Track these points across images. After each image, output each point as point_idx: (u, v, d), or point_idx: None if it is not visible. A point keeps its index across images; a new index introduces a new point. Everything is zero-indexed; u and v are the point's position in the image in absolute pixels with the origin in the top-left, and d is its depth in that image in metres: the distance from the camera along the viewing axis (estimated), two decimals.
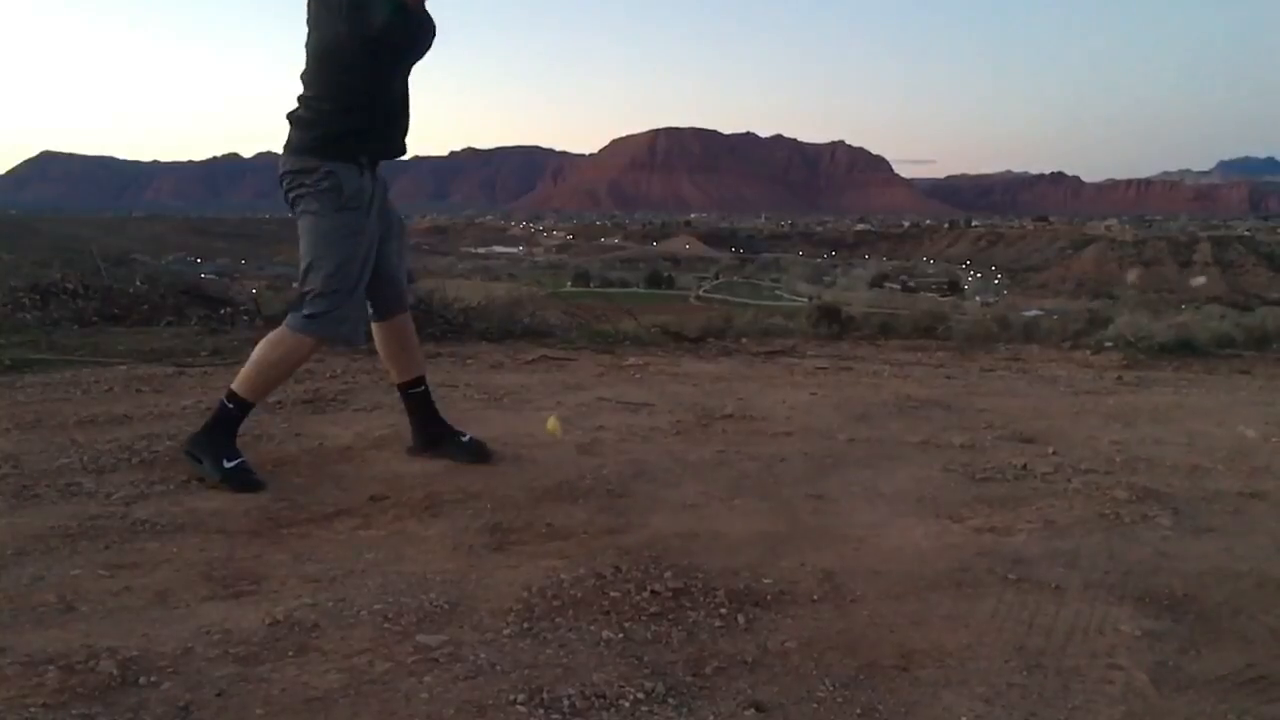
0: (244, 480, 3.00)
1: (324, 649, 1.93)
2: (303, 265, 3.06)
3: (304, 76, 3.09)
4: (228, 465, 3.01)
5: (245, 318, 6.59)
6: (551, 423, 3.67)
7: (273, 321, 6.37)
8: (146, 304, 6.66)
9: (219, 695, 1.75)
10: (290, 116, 3.10)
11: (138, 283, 7.23)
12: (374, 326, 3.34)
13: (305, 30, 3.08)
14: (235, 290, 8.69)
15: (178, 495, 2.89)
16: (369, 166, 3.12)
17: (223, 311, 6.71)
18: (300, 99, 3.09)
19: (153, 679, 1.79)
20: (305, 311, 3.04)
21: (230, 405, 3.08)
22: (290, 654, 1.91)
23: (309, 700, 1.74)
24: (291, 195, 3.07)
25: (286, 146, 3.10)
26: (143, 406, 3.98)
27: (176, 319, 6.41)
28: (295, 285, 3.14)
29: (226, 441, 3.07)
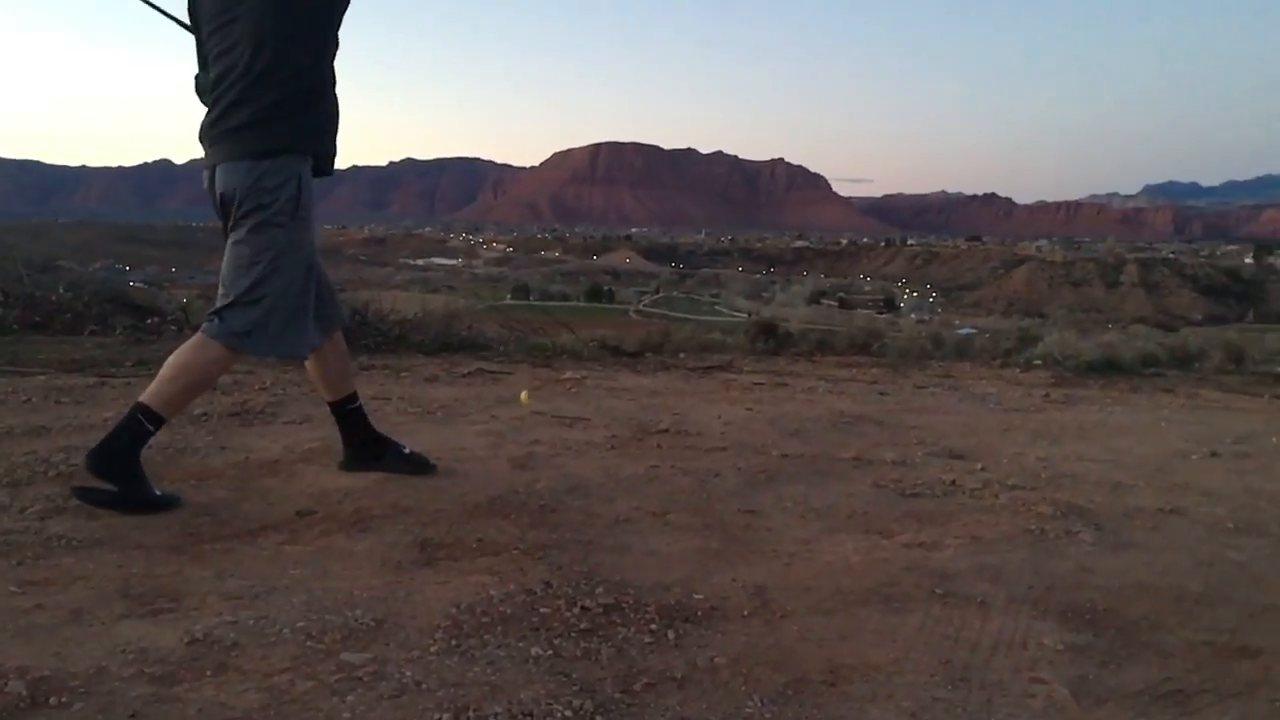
0: (165, 502, 2.87)
1: (244, 668, 1.89)
2: (250, 275, 2.87)
3: (237, 70, 2.84)
4: (158, 494, 2.87)
5: (173, 327, 6.45)
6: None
7: None
8: (70, 312, 6.51)
9: (132, 716, 1.69)
10: (231, 123, 2.87)
11: (61, 290, 7.05)
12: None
13: (218, 25, 2.87)
14: (164, 299, 8.51)
15: (96, 510, 2.80)
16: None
17: (149, 321, 6.57)
18: (239, 96, 2.85)
19: (63, 700, 1.73)
20: (241, 328, 2.88)
21: (150, 426, 2.83)
22: (208, 673, 1.86)
23: None
24: (247, 207, 2.86)
25: (231, 154, 2.88)
26: (62, 418, 3.87)
27: (101, 328, 6.26)
28: (224, 291, 2.92)
29: (137, 464, 2.84)
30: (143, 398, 2.85)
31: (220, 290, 2.95)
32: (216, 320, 2.91)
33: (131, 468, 2.84)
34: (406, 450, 3.41)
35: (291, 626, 2.08)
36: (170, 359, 2.91)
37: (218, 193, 2.93)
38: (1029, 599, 2.45)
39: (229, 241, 2.94)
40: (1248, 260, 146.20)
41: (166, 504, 2.86)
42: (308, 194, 2.95)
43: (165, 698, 1.76)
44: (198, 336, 2.93)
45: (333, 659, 1.94)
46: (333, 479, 3.24)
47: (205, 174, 2.99)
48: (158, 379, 2.88)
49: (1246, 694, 2.01)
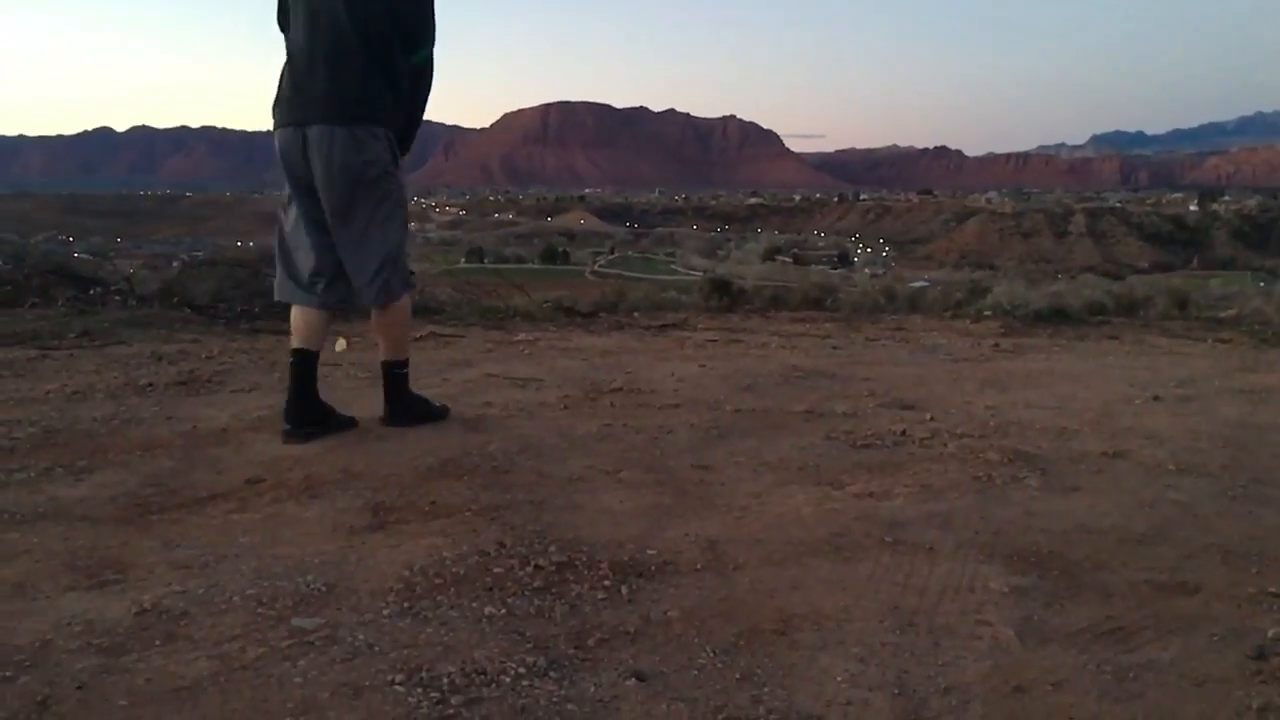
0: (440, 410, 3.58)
1: (193, 637, 1.87)
2: (394, 227, 3.34)
3: (358, 54, 3.19)
4: (436, 406, 3.59)
5: (117, 298, 6.33)
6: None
7: (147, 300, 6.14)
8: (10, 285, 6.36)
9: (80, 688, 1.68)
10: (350, 97, 3.19)
11: (0, 262, 6.88)
12: (314, 311, 3.40)
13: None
14: (108, 270, 8.33)
15: (39, 483, 2.76)
16: None
17: (92, 291, 6.44)
18: (353, 74, 3.19)
19: (8, 674, 1.71)
20: (406, 279, 3.44)
21: (404, 370, 3.51)
22: (157, 643, 1.84)
23: (176, 690, 1.68)
24: (377, 165, 3.23)
25: (355, 119, 3.19)
26: (2, 391, 3.80)
27: (42, 300, 6.13)
28: (365, 261, 3.31)
29: (415, 397, 3.56)
30: (384, 357, 3.49)
31: (368, 253, 3.30)
32: (382, 285, 3.33)
33: (419, 405, 3.54)
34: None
35: (242, 594, 2.07)
36: (376, 326, 3.48)
37: (325, 151, 3.17)
38: (976, 544, 2.50)
39: (370, 201, 3.25)
40: (1192, 207, 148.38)
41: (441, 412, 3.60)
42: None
43: (113, 669, 1.75)
44: (388, 311, 3.42)
45: (284, 625, 1.94)
46: (282, 446, 3.21)
47: (291, 131, 3.22)
48: (382, 342, 3.49)
49: (1186, 629, 2.06)
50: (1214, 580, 2.32)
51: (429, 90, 3.47)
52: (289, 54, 3.28)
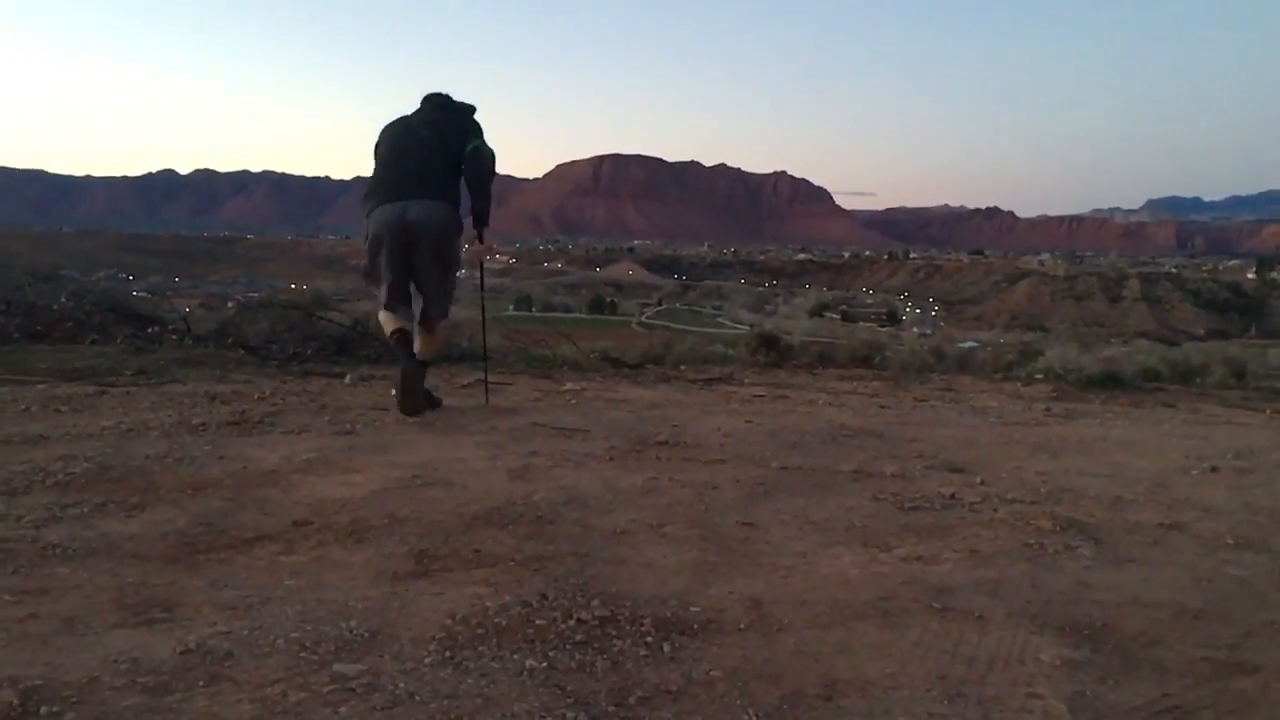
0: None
1: (236, 679, 1.88)
2: (454, 275, 4.77)
3: (437, 159, 4.60)
4: (437, 395, 4.87)
5: (174, 337, 6.45)
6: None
7: (203, 340, 6.26)
8: (71, 321, 6.51)
9: None
10: (434, 185, 4.56)
11: (63, 299, 7.05)
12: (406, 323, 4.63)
13: (427, 130, 4.67)
14: (165, 309, 8.51)
15: (92, 519, 2.80)
16: None
17: (150, 330, 6.57)
18: (435, 171, 4.59)
19: (55, 709, 1.72)
20: (450, 312, 4.78)
21: (426, 367, 4.66)
22: (201, 684, 1.85)
23: None
24: (448, 230, 4.57)
25: (440, 198, 4.55)
26: (60, 427, 3.87)
27: (102, 337, 6.26)
28: (437, 291, 4.66)
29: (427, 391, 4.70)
30: (421, 356, 4.62)
31: (446, 290, 4.69)
32: (445, 308, 4.72)
33: (429, 395, 4.74)
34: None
35: (285, 637, 2.07)
36: (428, 337, 4.68)
37: (418, 220, 4.49)
38: (1027, 613, 2.44)
39: (435, 255, 4.56)
40: (1250, 275, 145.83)
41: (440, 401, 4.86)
42: None
43: (157, 708, 1.75)
44: (438, 327, 4.73)
45: (326, 670, 1.94)
46: (330, 489, 3.24)
47: (396, 204, 4.51)
48: (426, 348, 4.67)
49: (1245, 710, 2.00)
50: (1274, 660, 2.24)
51: (490, 171, 4.68)
52: (394, 159, 4.62)
